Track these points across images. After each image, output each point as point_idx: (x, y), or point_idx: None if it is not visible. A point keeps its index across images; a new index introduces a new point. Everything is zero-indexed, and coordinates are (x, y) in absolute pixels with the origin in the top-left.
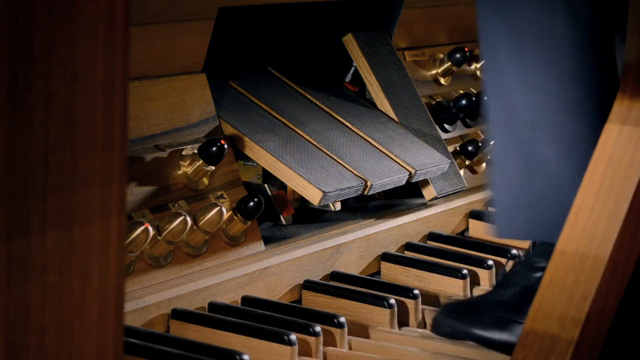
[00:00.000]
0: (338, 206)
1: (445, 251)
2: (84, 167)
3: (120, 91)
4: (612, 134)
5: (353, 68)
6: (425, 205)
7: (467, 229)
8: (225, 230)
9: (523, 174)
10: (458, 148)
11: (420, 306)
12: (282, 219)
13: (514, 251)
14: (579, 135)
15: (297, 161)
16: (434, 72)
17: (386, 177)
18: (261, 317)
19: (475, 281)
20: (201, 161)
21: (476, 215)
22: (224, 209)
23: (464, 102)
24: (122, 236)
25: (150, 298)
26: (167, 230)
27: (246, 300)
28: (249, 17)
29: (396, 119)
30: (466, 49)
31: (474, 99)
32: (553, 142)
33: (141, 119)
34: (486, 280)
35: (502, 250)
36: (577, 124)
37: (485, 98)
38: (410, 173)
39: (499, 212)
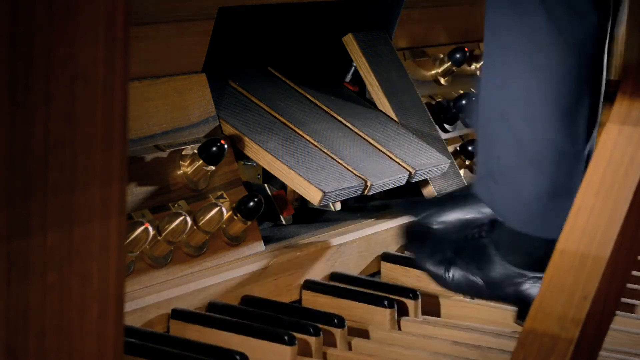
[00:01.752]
0: (338, 206)
1: None
2: (84, 167)
3: (120, 91)
4: (612, 134)
5: (353, 68)
6: None
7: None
8: (225, 230)
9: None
10: (458, 148)
11: (420, 306)
12: (282, 219)
13: None
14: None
15: (297, 161)
16: (434, 72)
17: (386, 177)
18: (261, 317)
19: None
20: (201, 161)
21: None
22: (224, 209)
23: (464, 102)
24: (122, 236)
25: (150, 298)
26: (167, 230)
27: (246, 300)
28: (249, 17)
29: (396, 119)
30: (466, 49)
31: (474, 99)
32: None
33: (141, 119)
34: None
35: None
36: (560, 135)
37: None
38: (410, 173)
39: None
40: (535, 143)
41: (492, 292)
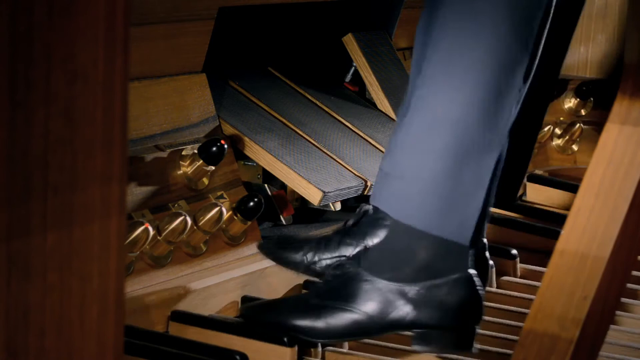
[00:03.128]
0: (338, 206)
1: None
2: (84, 167)
3: (120, 91)
4: (612, 134)
5: (353, 68)
6: None
7: None
8: (225, 230)
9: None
10: None
11: None
12: (282, 219)
13: (514, 251)
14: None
15: (297, 161)
16: None
17: None
18: None
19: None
20: (201, 161)
21: None
22: (224, 209)
23: None
24: (122, 236)
25: (150, 298)
26: (167, 230)
27: (246, 300)
28: (249, 17)
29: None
30: None
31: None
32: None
33: (141, 119)
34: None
35: (502, 251)
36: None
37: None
38: None
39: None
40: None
41: (377, 325)
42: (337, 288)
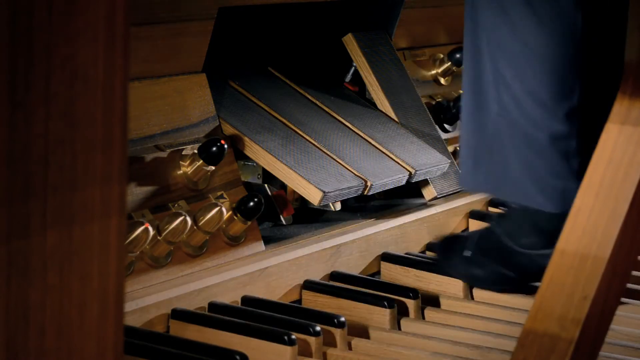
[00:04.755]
0: (338, 206)
1: None
2: (84, 167)
3: (120, 91)
4: (612, 134)
5: (353, 68)
6: (425, 205)
7: (467, 229)
8: (225, 230)
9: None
10: (458, 148)
11: (420, 306)
12: (282, 219)
13: None
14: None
15: (297, 161)
16: (434, 72)
17: (386, 177)
18: (261, 317)
19: None
20: (201, 161)
21: (476, 215)
22: (224, 209)
23: None
24: (122, 236)
25: (150, 298)
26: (167, 230)
27: (246, 300)
28: (249, 17)
29: (396, 119)
30: None
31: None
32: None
33: (141, 119)
34: None
35: None
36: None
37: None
38: (410, 173)
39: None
40: (528, 121)
41: (526, 281)
42: (490, 246)
